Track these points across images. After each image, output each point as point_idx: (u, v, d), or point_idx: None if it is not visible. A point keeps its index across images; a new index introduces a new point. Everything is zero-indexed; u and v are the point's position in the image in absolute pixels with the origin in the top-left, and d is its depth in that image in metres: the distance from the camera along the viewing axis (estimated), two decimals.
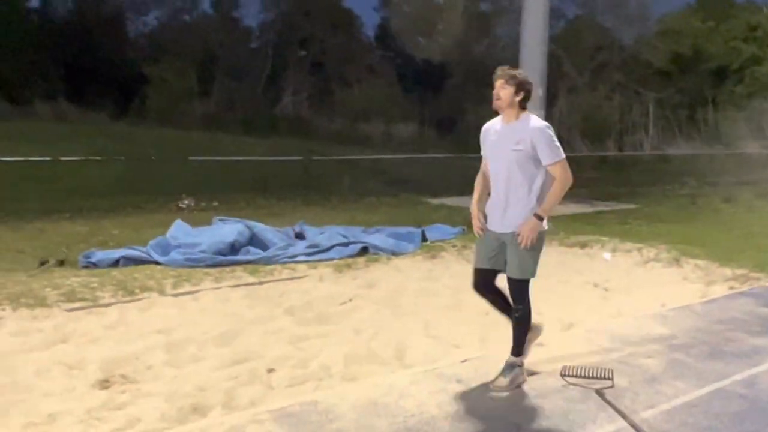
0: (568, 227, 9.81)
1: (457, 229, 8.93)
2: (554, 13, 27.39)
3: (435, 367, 4.05)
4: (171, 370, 4.23)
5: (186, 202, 11.70)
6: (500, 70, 3.66)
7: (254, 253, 7.04)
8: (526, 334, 3.79)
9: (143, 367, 4.24)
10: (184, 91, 26.69)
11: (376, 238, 7.83)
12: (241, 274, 6.50)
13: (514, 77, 3.60)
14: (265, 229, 7.51)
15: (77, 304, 5.35)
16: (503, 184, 3.66)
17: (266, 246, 7.23)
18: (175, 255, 6.70)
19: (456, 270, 7.06)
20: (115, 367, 4.20)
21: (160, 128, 22.78)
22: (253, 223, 7.61)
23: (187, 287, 5.99)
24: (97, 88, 26.91)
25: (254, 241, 7.29)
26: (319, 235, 7.83)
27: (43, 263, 6.60)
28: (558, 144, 3.57)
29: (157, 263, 6.63)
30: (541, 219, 3.57)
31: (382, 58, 34.56)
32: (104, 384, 3.99)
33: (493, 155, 3.73)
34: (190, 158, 16.72)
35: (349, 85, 30.39)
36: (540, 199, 3.60)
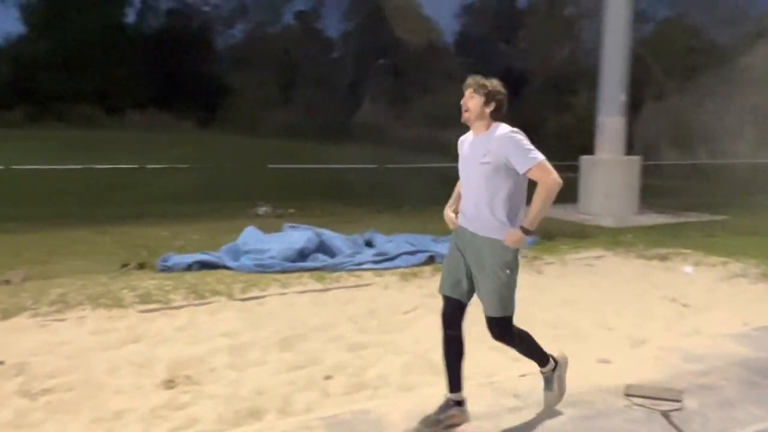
0: (647, 238, 9.40)
1: (528, 240, 8.73)
2: (641, 16, 26.43)
3: (493, 380, 3.96)
4: (232, 373, 4.33)
5: (263, 208, 12.03)
6: (470, 79, 3.35)
7: (322, 260, 7.13)
8: (538, 349, 3.54)
9: (207, 369, 4.37)
10: (266, 101, 27.50)
11: (445, 247, 7.73)
12: (308, 281, 6.60)
13: (483, 86, 3.29)
14: (333, 237, 7.60)
15: (151, 306, 5.59)
16: (473, 201, 3.31)
17: (334, 253, 7.32)
18: (245, 260, 6.88)
19: (525, 281, 6.83)
20: (181, 368, 4.34)
21: (241, 136, 23.57)
22: (321, 231, 7.72)
23: (255, 292, 6.14)
24: (185, 98, 28.16)
25: (322, 248, 7.39)
26: (387, 243, 7.85)
27: (124, 266, 6.95)
28: (531, 146, 3.17)
29: (228, 268, 6.83)
30: (527, 232, 3.20)
31: (461, 64, 34.40)
32: (169, 384, 4.13)
33: (463, 170, 3.41)
34: (269, 166, 17.18)
35: (427, 92, 30.42)
36: (512, 213, 3.24)
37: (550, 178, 3.15)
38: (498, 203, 3.23)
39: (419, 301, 6.07)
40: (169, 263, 6.81)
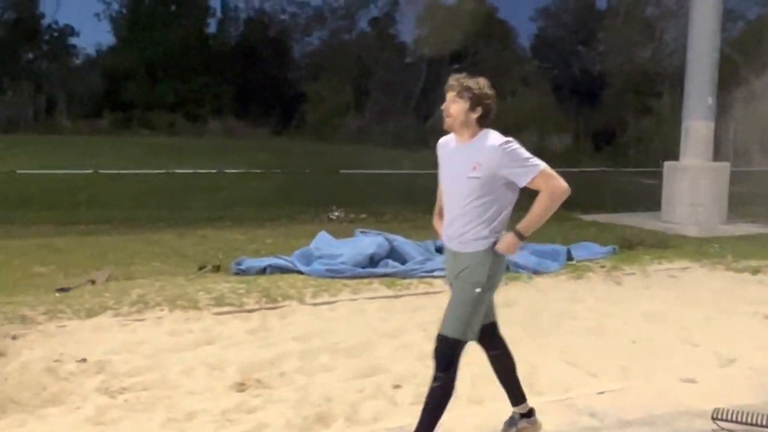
0: (737, 249, 8.88)
1: (607, 249, 8.41)
2: (730, 15, 25.14)
3: (567, 396, 3.80)
4: (302, 378, 4.34)
5: (336, 213, 12.12)
6: (453, 80, 2.98)
7: (392, 266, 7.09)
8: (438, 417, 2.96)
9: (277, 373, 4.40)
10: (340, 107, 27.87)
11: (517, 255, 7.55)
12: (378, 287, 6.57)
13: (468, 89, 2.92)
14: (404, 243, 7.55)
15: (225, 309, 5.71)
16: (457, 214, 3.00)
17: (405, 259, 7.27)
18: (316, 265, 6.94)
19: (602, 292, 6.63)
20: (252, 371, 4.39)
21: (315, 142, 23.96)
22: (393, 236, 7.68)
23: (326, 297, 6.17)
24: (262, 105, 28.91)
25: (393, 254, 7.35)
26: None
27: (201, 268, 7.14)
28: (528, 154, 2.87)
29: (299, 272, 6.90)
30: (522, 237, 2.90)
31: (537, 68, 33.77)
32: (240, 387, 4.18)
33: (446, 180, 3.10)
34: (342, 171, 17.35)
35: (502, 97, 29.98)
36: (500, 228, 2.96)
37: (554, 185, 2.85)
38: (486, 221, 2.92)
39: None
40: (243, 266, 6.95)
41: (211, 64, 30.60)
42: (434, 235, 8.61)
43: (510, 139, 2.91)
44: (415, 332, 5.28)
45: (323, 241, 7.65)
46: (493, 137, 2.92)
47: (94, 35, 61.28)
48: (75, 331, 5.08)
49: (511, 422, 3.29)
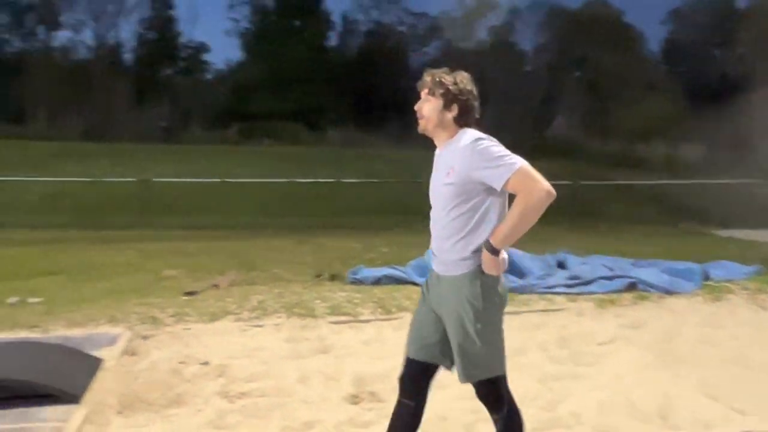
0: None
1: (751, 269, 7.66)
2: None
3: None
4: None
5: None
6: (426, 75, 2.65)
7: (511, 280, 6.83)
8: None
9: (391, 387, 4.28)
10: None
11: (648, 273, 7.06)
12: None
13: (441, 84, 2.58)
14: (523, 256, 7.27)
15: (340, 318, 5.72)
16: (437, 233, 2.67)
17: (523, 274, 6.99)
18: None
19: (745, 317, 6.02)
20: (366, 383, 4.34)
21: (433, 152, 23.89)
22: (511, 249, 7.39)
23: None
24: (380, 115, 29.34)
25: (511, 267, 7.08)
26: (582, 265, 7.34)
27: (318, 276, 7.24)
28: (503, 152, 2.46)
29: (415, 284, 6.81)
30: (495, 252, 2.47)
31: (667, 74, 31.88)
32: (354, 399, 4.14)
33: (431, 192, 2.74)
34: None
35: (627, 105, 28.58)
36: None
37: (531, 186, 2.39)
38: (467, 235, 2.53)
39: (617, 332, 5.54)
40: (358, 276, 6.96)
41: (331, 75, 31.52)
42: (553, 247, 8.25)
43: (483, 135, 2.53)
44: (534, 352, 5.02)
45: None
46: (468, 136, 2.55)
47: (224, 51, 65.35)
48: (199, 334, 5.27)
49: None
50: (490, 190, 2.49)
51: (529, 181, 2.40)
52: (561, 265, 7.57)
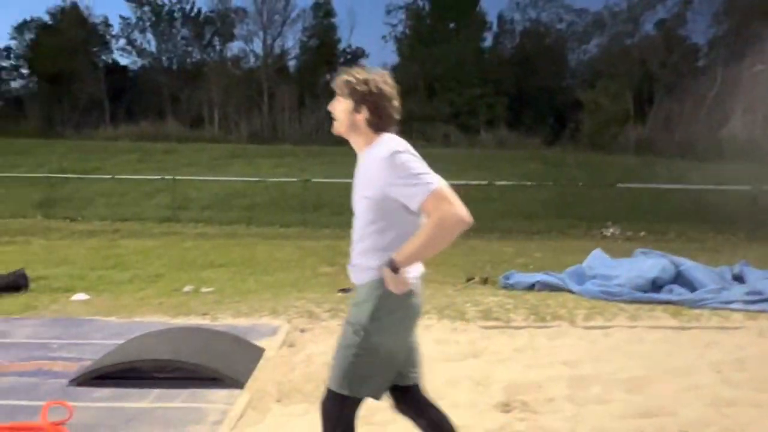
0: None
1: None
2: None
3: None
4: (572, 407, 4.01)
5: (611, 230, 11.37)
6: (338, 74, 2.41)
7: (678, 293, 6.32)
8: None
9: (544, 398, 4.14)
10: (618, 115, 26.25)
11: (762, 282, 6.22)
12: (661, 315, 5.89)
13: (347, 84, 2.34)
14: (693, 268, 6.68)
15: (491, 323, 5.60)
16: (356, 239, 2.43)
17: (694, 287, 6.42)
18: (590, 286, 6.48)
19: None
20: (517, 392, 4.19)
21: (590, 153, 22.86)
22: (679, 260, 6.86)
23: (599, 321, 5.70)
24: (535, 115, 28.58)
25: (680, 279, 6.55)
26: (764, 279, 6.60)
27: (469, 279, 7.17)
28: (421, 169, 2.23)
29: (570, 292, 6.52)
30: (395, 269, 2.23)
31: None
32: (505, 407, 4.01)
33: (353, 198, 2.49)
34: (619, 185, 16.24)
35: None
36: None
37: (450, 211, 2.18)
38: (383, 249, 2.32)
39: None
40: (511, 281, 6.80)
41: (485, 76, 31.25)
42: (728, 259, 7.51)
43: (401, 147, 2.29)
44: (706, 372, 4.58)
45: (598, 260, 7.14)
46: (385, 147, 2.30)
47: (380, 56, 67.24)
48: None
49: None
50: (407, 207, 2.30)
51: (444, 204, 2.21)
52: (738, 279, 6.86)
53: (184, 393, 3.89)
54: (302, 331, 5.39)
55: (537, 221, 12.22)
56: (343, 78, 2.40)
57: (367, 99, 2.35)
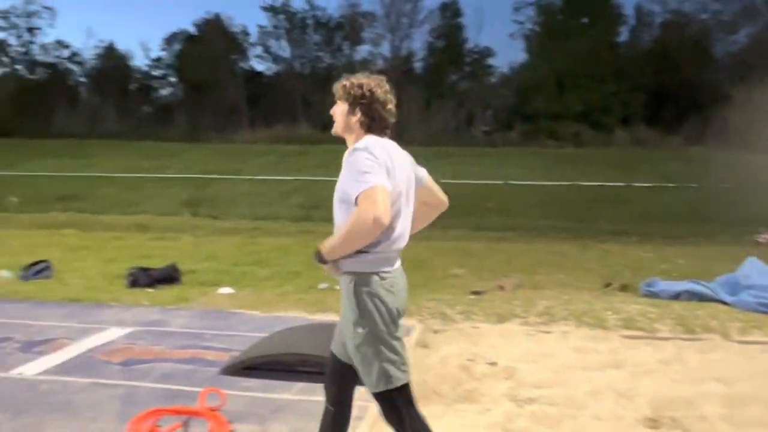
0: None
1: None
2: None
3: None
4: (728, 428, 3.74)
5: (765, 236, 10.42)
6: (337, 81, 2.59)
7: None
8: None
9: (696, 416, 3.87)
10: None
11: None
12: None
13: (344, 88, 2.55)
14: None
15: (634, 333, 5.33)
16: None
17: None
18: (745, 297, 5.98)
19: None
20: (665, 407, 3.96)
21: (739, 152, 21.11)
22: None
23: (757, 336, 5.25)
24: (675, 112, 26.84)
25: None
26: None
27: (607, 285, 6.86)
28: (371, 169, 2.31)
29: (722, 303, 6.06)
30: (322, 260, 2.42)
31: None
32: (652, 423, 3.81)
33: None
34: None
35: None
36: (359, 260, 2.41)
37: (367, 210, 2.24)
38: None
39: None
40: (654, 289, 6.42)
41: (620, 71, 29.77)
42: None
43: (367, 145, 2.39)
44: None
45: (754, 269, 6.56)
46: (360, 143, 2.43)
47: (508, 54, 66.07)
48: (486, 334, 5.36)
49: None
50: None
51: (367, 203, 2.27)
52: None
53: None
54: (436, 332, 5.41)
55: (679, 225, 11.43)
56: (340, 83, 2.61)
57: (361, 102, 2.54)
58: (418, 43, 44.40)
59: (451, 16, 40.02)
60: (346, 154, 2.46)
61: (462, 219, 12.77)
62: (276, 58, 48.16)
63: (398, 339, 2.53)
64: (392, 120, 2.61)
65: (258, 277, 7.64)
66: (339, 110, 2.62)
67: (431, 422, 3.73)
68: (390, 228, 2.41)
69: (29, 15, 48.11)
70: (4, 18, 47.87)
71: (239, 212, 16.27)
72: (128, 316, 5.77)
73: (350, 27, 44.64)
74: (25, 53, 48.73)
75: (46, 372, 4.33)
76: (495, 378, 4.42)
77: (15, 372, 4.33)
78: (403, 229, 2.54)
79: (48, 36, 59.23)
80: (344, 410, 2.81)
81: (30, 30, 48.40)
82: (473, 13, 61.52)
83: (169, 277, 7.32)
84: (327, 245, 2.43)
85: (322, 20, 46.43)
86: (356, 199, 2.31)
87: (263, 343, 4.66)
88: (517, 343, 5.13)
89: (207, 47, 43.75)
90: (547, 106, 31.13)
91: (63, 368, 4.38)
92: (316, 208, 15.94)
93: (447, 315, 5.84)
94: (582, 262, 8.56)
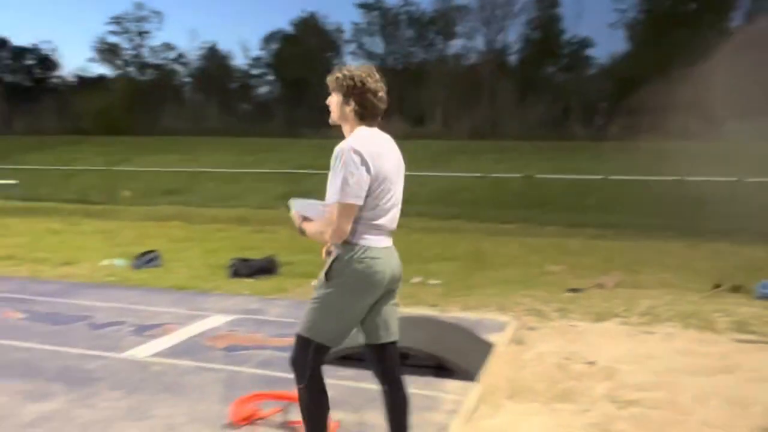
0: None
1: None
2: None
3: None
4: None
5: None
6: (331, 73, 2.73)
7: None
8: (313, 426, 2.80)
9: None
10: None
11: None
12: None
13: (336, 80, 2.68)
14: None
15: (747, 336, 5.00)
16: None
17: None
18: None
19: None
20: None
21: None
22: None
23: None
24: None
25: None
26: None
27: (716, 286, 6.48)
28: (348, 179, 2.53)
29: None
30: (302, 232, 2.80)
31: None
32: None
33: None
34: None
35: None
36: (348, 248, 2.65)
37: (334, 223, 2.58)
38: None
39: None
40: None
41: (733, 61, 27.92)
42: None
43: (348, 147, 2.56)
44: None
45: None
46: (346, 141, 2.63)
47: (608, 44, 63.59)
48: (584, 333, 5.19)
49: None
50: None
51: (336, 216, 2.57)
52: None
53: (420, 380, 4.03)
54: (531, 329, 5.30)
55: None
56: (334, 75, 2.73)
57: (353, 92, 2.67)
58: (513, 35, 43.56)
59: (547, 7, 39.04)
60: (337, 149, 2.61)
61: (558, 215, 12.45)
62: (369, 55, 48.73)
63: (358, 310, 2.74)
64: (383, 107, 2.75)
65: None
66: (334, 101, 2.75)
67: (527, 419, 3.69)
68: (377, 206, 2.65)
69: (139, 20, 51.28)
70: (118, 23, 51.28)
71: None
72: (230, 304, 6.02)
73: (443, 22, 44.44)
74: (136, 56, 51.99)
75: (157, 354, 4.59)
76: (593, 378, 4.27)
77: (129, 353, 4.62)
78: (391, 206, 2.72)
79: (156, 39, 62.63)
80: (394, 386, 2.93)
81: (140, 34, 51.57)
82: (571, 3, 59.72)
83: (267, 268, 7.58)
84: (307, 228, 2.77)
85: (415, 15, 46.50)
86: (330, 202, 2.60)
87: (359, 334, 4.73)
88: (617, 344, 4.94)
89: (303, 45, 44.92)
90: (654, 99, 29.66)
91: (172, 351, 4.63)
92: (409, 203, 16.00)
93: (542, 312, 5.71)
94: (689, 261, 8.13)
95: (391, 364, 2.91)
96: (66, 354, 4.57)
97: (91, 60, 72.91)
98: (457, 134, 32.66)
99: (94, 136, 38.82)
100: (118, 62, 52.33)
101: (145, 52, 51.81)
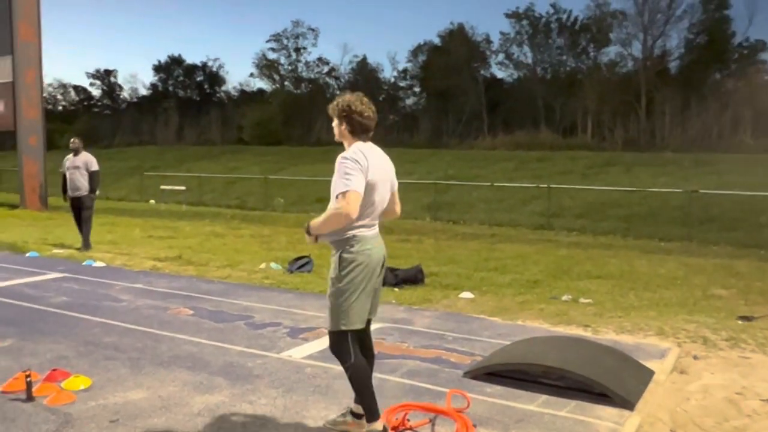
0: None
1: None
2: None
3: None
4: None
5: None
6: (332, 102, 3.33)
7: None
8: (365, 392, 3.30)
9: None
10: None
11: None
12: None
13: (333, 107, 3.29)
14: None
15: None
16: None
17: None
18: None
19: None
20: None
21: None
22: None
23: None
24: None
25: None
26: None
27: None
28: (351, 173, 3.05)
29: None
30: (307, 231, 3.25)
31: None
32: None
33: None
34: None
35: None
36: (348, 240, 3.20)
37: (341, 207, 3.03)
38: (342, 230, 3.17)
39: None
40: None
41: None
42: None
43: (348, 155, 3.10)
44: None
45: None
46: (347, 151, 3.15)
47: None
48: (758, 366, 4.71)
49: (343, 414, 3.55)
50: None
51: (342, 200, 3.03)
52: None
53: (571, 404, 3.87)
54: (696, 357, 4.89)
55: None
56: (333, 104, 3.30)
57: (342, 116, 3.25)
58: (675, 40, 40.88)
59: (715, 9, 36.21)
60: (338, 158, 3.11)
61: (726, 234, 11.46)
62: (517, 64, 47.95)
63: (365, 290, 3.24)
64: (371, 124, 3.27)
65: (498, 284, 7.63)
66: (335, 124, 3.33)
67: None
68: (370, 202, 3.16)
69: (297, 36, 54.33)
70: (277, 41, 54.66)
71: (478, 217, 16.50)
72: (378, 313, 6.13)
73: (597, 28, 42.69)
74: (292, 70, 55.10)
75: (310, 357, 4.79)
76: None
77: (285, 354, 4.86)
78: (379, 202, 3.26)
79: (311, 54, 65.96)
80: (373, 352, 3.57)
81: (297, 50, 54.61)
82: (742, 4, 54.94)
83: (413, 278, 7.65)
84: (314, 222, 3.19)
85: (566, 23, 45.13)
86: (337, 195, 3.05)
87: (506, 350, 4.63)
88: None
89: (450, 56, 45.12)
90: None
91: (323, 355, 4.80)
92: (557, 216, 15.53)
93: (709, 340, 5.25)
94: None
95: (370, 335, 3.55)
96: (229, 351, 4.90)
97: (252, 75, 78.44)
98: (610, 145, 31.14)
99: (253, 146, 41.65)
100: (276, 77, 55.81)
101: (300, 67, 54.82)
